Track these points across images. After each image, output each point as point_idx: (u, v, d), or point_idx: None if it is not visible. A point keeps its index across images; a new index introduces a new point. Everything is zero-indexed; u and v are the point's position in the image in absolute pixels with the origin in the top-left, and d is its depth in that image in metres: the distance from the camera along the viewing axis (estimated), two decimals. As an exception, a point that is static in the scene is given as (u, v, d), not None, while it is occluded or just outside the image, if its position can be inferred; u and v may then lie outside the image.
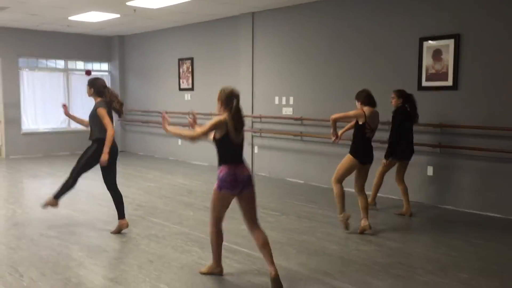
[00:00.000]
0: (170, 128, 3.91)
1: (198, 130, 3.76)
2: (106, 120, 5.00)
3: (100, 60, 12.74)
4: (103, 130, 5.03)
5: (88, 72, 12.33)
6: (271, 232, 5.25)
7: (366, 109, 5.20)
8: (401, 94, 5.91)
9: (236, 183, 3.69)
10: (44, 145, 11.83)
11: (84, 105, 12.35)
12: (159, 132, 11.47)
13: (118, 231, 5.20)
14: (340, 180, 5.37)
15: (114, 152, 5.11)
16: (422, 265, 4.32)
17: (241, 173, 3.71)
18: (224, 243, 4.87)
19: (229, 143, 3.73)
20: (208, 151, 10.23)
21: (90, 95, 5.22)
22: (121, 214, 5.23)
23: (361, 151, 5.28)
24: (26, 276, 3.96)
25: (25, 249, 4.68)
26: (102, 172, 5.21)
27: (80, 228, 5.46)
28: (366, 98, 5.24)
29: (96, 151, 5.10)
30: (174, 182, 8.36)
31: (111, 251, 4.67)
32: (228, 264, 4.28)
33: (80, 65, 12.52)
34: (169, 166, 10.10)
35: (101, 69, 12.88)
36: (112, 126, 5.04)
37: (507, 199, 5.94)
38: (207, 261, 4.36)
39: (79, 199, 6.92)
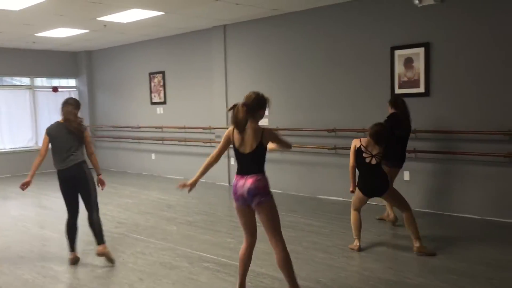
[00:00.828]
0: (195, 178, 3.92)
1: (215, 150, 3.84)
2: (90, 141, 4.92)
3: (67, 76, 12.50)
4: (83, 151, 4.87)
5: (55, 89, 12.09)
6: (258, 244, 5.22)
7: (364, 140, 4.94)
8: (391, 102, 5.77)
9: (236, 196, 3.63)
10: (11, 165, 11.45)
11: (52, 122, 12.07)
12: (131, 147, 11.33)
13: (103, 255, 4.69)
14: (354, 208, 5.13)
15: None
16: (411, 269, 4.43)
17: (241, 186, 3.59)
18: (212, 256, 4.89)
19: (237, 154, 3.66)
20: (182, 165, 10.20)
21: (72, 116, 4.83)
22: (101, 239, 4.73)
23: (363, 181, 4.99)
24: (14, 302, 3.85)
25: (8, 273, 4.54)
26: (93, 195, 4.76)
27: (62, 250, 5.31)
28: (373, 136, 4.86)
29: (89, 175, 4.77)
30: (152, 197, 8.27)
31: (98, 271, 4.58)
32: (221, 278, 4.27)
33: (46, 81, 12.25)
34: (144, 181, 9.97)
35: (68, 85, 12.64)
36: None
37: (479, 200, 6.16)
38: (198, 276, 4.36)
39: (56, 220, 6.74)
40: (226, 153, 9.08)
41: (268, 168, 7.68)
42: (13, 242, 5.65)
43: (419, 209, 6.67)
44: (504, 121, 5.89)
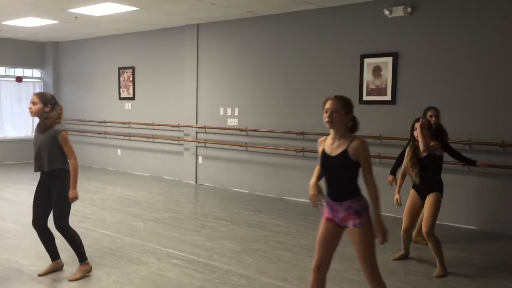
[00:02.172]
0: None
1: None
2: (70, 146, 4.13)
3: (32, 66, 12.20)
4: (63, 158, 4.13)
5: (19, 79, 11.77)
6: (225, 242, 5.37)
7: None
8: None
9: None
10: (-31, 155, 11.11)
11: (14, 113, 11.81)
12: (97, 141, 11.18)
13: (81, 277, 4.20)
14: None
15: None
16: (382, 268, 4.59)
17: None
18: (180, 253, 4.93)
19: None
20: (149, 161, 10.15)
21: (39, 113, 4.10)
22: (81, 256, 4.26)
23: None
24: (-22, 294, 3.78)
25: (-30, 265, 4.44)
26: (57, 208, 4.13)
27: (25, 242, 5.23)
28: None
29: (64, 187, 4.11)
30: (117, 193, 8.20)
31: (64, 264, 4.53)
32: (189, 275, 4.32)
33: (10, 71, 11.92)
34: (110, 177, 9.86)
35: (33, 75, 12.33)
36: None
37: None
38: (167, 272, 4.39)
39: (19, 212, 6.63)
40: (194, 151, 9.20)
41: (235, 168, 7.81)
42: (-26, 234, 5.51)
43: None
44: (465, 130, 6.17)
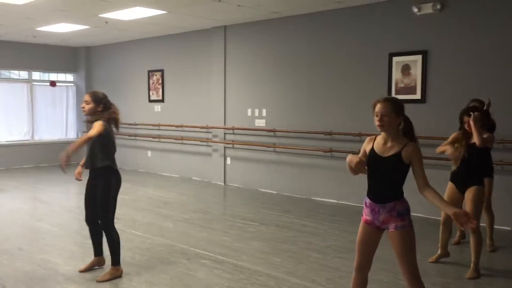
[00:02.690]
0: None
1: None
2: (93, 131, 4.05)
3: (65, 71, 12.53)
4: (106, 156, 4.16)
5: (53, 83, 12.11)
6: (253, 242, 5.39)
7: None
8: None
9: None
10: (7, 158, 11.46)
11: (48, 116, 12.15)
12: (128, 143, 11.39)
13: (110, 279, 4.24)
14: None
15: (119, 183, 4.29)
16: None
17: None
18: (209, 253, 4.99)
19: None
20: (178, 163, 10.28)
21: (91, 112, 4.18)
22: (115, 259, 4.29)
23: None
24: (14, 292, 3.91)
25: (8, 264, 4.60)
26: (100, 206, 4.21)
27: (60, 243, 5.39)
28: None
29: (107, 184, 4.18)
30: (148, 194, 8.34)
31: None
32: (217, 275, 4.36)
33: (44, 76, 12.28)
34: (141, 178, 10.03)
35: (66, 80, 12.66)
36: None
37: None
38: (196, 272, 4.44)
39: (54, 214, 6.83)
40: (223, 152, 9.27)
41: (263, 169, 7.76)
42: (11, 234, 5.70)
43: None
44: (498, 129, 6.01)
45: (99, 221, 4.28)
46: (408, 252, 2.97)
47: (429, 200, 2.96)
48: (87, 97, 4.20)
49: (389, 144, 3.01)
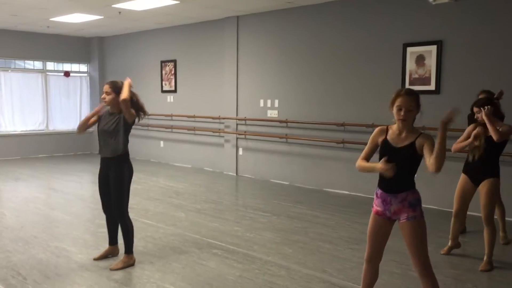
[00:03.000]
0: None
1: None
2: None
3: (79, 61, 12.62)
4: (119, 145, 4.18)
5: (66, 73, 12.21)
6: (265, 233, 5.41)
7: None
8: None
9: None
10: (22, 147, 11.63)
11: (63, 106, 12.26)
12: (140, 134, 11.44)
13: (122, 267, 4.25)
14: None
15: (131, 171, 4.34)
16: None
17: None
18: (221, 243, 5.02)
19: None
20: (190, 153, 10.32)
21: (112, 102, 4.18)
22: (129, 248, 4.34)
23: None
24: (30, 279, 3.97)
25: (23, 252, 4.67)
26: (114, 195, 4.23)
27: (74, 231, 5.46)
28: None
29: (121, 173, 4.22)
30: (160, 184, 8.40)
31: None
32: (229, 264, 4.39)
33: (58, 66, 12.37)
34: (153, 168, 10.10)
35: (80, 70, 12.75)
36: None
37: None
38: (207, 261, 4.47)
39: (68, 202, 6.91)
40: (235, 143, 9.28)
41: (275, 160, 7.74)
42: (26, 222, 5.78)
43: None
44: (507, 120, 5.93)
45: (113, 210, 4.31)
46: (419, 243, 2.96)
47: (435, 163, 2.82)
48: (106, 88, 4.20)
49: (403, 134, 3.00)
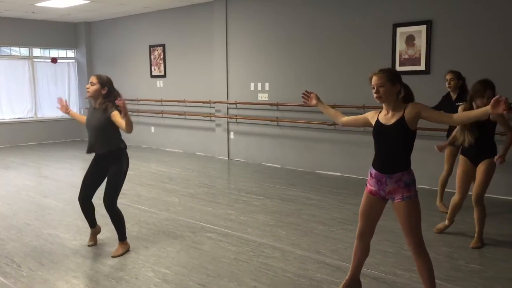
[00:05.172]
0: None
1: None
2: (120, 121, 4.12)
3: (66, 47, 12.44)
4: (118, 138, 4.26)
5: (54, 60, 12.04)
6: (258, 215, 5.43)
7: None
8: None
9: None
10: (10, 135, 11.52)
11: (51, 93, 12.10)
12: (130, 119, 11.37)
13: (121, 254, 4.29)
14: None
15: (128, 164, 4.33)
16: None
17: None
18: (215, 227, 5.04)
19: None
20: (182, 138, 10.29)
21: (95, 93, 4.18)
22: (122, 235, 4.36)
23: None
24: (24, 267, 3.96)
25: (16, 239, 4.65)
26: (111, 187, 4.20)
27: (66, 218, 5.44)
28: None
29: (121, 165, 4.22)
30: (152, 169, 8.38)
31: (104, 238, 4.69)
32: (223, 247, 4.41)
33: (45, 52, 12.20)
34: (144, 154, 10.06)
35: (67, 56, 12.59)
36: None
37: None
38: (202, 245, 4.49)
39: (59, 190, 6.88)
40: (226, 127, 9.26)
41: (267, 143, 7.78)
42: (18, 210, 5.75)
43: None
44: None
45: (104, 200, 4.22)
46: (414, 222, 2.99)
47: (461, 120, 3.04)
48: (93, 79, 4.22)
49: (390, 113, 3.02)
